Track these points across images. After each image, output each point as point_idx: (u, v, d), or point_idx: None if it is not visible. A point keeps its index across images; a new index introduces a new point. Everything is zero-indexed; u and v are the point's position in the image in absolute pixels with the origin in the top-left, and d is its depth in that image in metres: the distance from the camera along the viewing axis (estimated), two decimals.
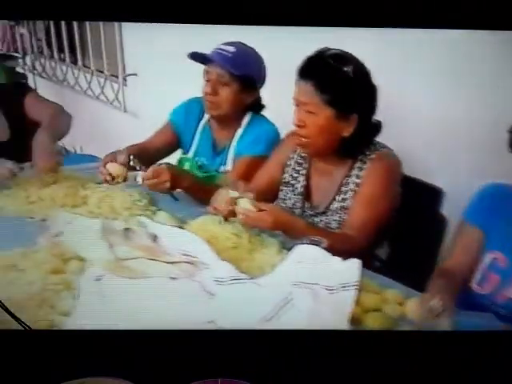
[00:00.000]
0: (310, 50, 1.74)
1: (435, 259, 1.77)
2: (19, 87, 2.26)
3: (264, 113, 2.08)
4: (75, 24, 2.85)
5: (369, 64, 1.92)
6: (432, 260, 1.76)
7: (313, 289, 1.44)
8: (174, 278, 1.46)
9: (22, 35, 3.07)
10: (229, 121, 2.05)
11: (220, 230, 1.67)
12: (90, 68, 2.95)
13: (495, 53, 1.70)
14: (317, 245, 1.55)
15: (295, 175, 1.86)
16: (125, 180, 1.90)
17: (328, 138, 1.68)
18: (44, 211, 1.85)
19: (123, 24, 2.54)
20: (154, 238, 1.63)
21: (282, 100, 1.81)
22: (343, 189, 1.74)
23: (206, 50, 1.96)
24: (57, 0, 1.59)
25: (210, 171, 2.11)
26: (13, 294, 1.43)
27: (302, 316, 1.38)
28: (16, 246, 1.61)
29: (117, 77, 2.88)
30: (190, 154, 2.16)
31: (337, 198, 1.75)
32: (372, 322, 1.40)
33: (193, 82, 2.09)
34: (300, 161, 1.85)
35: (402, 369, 1.54)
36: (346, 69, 1.62)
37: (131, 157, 1.89)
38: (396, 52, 1.93)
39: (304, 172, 1.84)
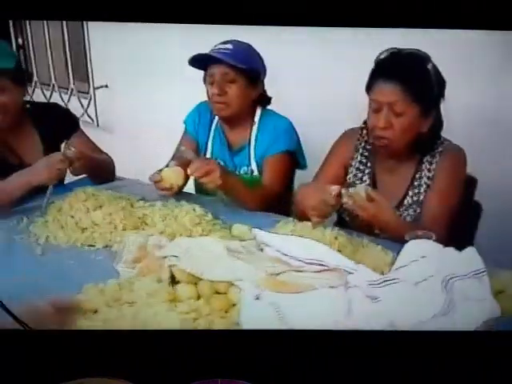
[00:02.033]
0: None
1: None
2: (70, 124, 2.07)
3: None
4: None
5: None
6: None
7: (458, 280, 1.42)
8: (333, 287, 1.40)
9: None
10: (239, 119, 2.02)
11: (319, 234, 1.64)
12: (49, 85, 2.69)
13: (495, 53, 1.77)
14: (428, 238, 1.54)
15: (359, 175, 1.85)
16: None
17: (410, 136, 1.70)
18: (105, 237, 1.70)
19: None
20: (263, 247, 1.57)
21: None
22: (416, 183, 1.77)
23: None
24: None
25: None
26: None
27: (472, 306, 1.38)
28: (93, 279, 1.48)
29: (84, 92, 2.65)
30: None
31: (410, 193, 1.78)
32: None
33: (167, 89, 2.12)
34: (363, 160, 1.85)
35: (401, 370, 1.53)
36: (428, 66, 1.66)
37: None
38: None
39: (368, 171, 1.84)
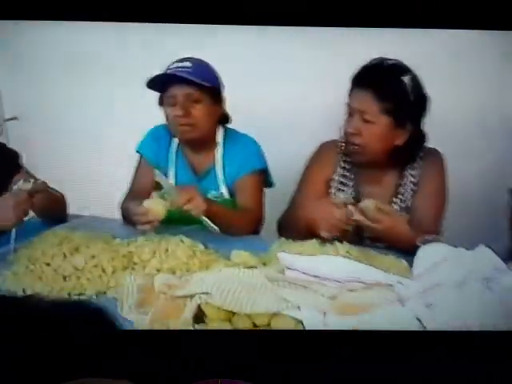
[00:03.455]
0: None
1: None
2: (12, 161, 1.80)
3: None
4: None
5: None
6: None
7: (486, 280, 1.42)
8: (393, 302, 1.34)
9: None
10: (204, 141, 1.89)
11: (332, 250, 1.56)
12: None
13: (495, 53, 1.82)
14: (437, 241, 1.55)
15: (343, 188, 1.81)
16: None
17: (382, 146, 1.69)
18: (94, 282, 1.49)
19: None
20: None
21: None
22: (401, 190, 1.77)
23: None
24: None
25: None
26: None
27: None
28: None
29: None
30: None
31: (395, 200, 1.77)
32: None
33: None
34: (346, 173, 1.81)
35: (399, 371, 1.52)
36: (404, 79, 1.65)
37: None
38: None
39: (351, 183, 1.81)
